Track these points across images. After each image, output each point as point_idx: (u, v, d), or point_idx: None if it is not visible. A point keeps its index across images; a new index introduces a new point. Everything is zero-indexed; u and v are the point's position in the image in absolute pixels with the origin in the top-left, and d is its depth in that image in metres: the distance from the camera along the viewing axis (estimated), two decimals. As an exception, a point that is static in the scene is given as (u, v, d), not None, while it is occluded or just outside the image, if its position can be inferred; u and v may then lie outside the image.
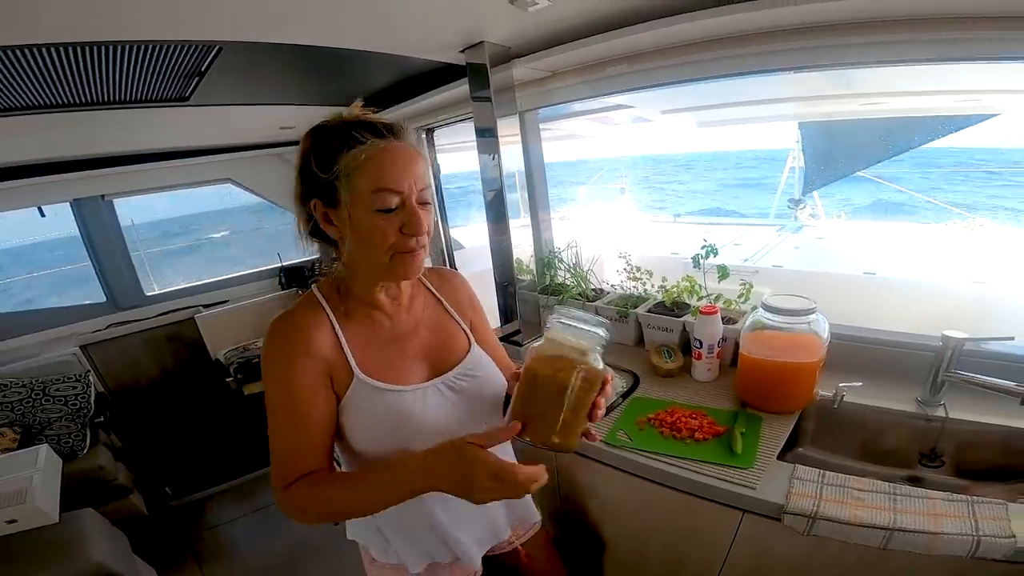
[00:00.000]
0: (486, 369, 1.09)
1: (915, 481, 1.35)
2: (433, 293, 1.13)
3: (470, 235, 4.27)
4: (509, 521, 1.23)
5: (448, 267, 3.00)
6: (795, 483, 1.15)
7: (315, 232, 0.97)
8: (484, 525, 1.16)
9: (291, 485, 0.90)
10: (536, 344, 0.90)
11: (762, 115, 3.04)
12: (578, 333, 0.87)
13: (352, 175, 0.86)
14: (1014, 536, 0.94)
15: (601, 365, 0.87)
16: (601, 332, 0.88)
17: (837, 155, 4.43)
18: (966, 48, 1.21)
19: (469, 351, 1.09)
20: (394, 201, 0.87)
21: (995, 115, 3.00)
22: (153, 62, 1.55)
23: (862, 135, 4.14)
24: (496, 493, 0.79)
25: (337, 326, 0.96)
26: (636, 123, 3.45)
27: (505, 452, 1.14)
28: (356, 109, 0.92)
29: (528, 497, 1.25)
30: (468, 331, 1.13)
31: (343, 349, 0.95)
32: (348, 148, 0.86)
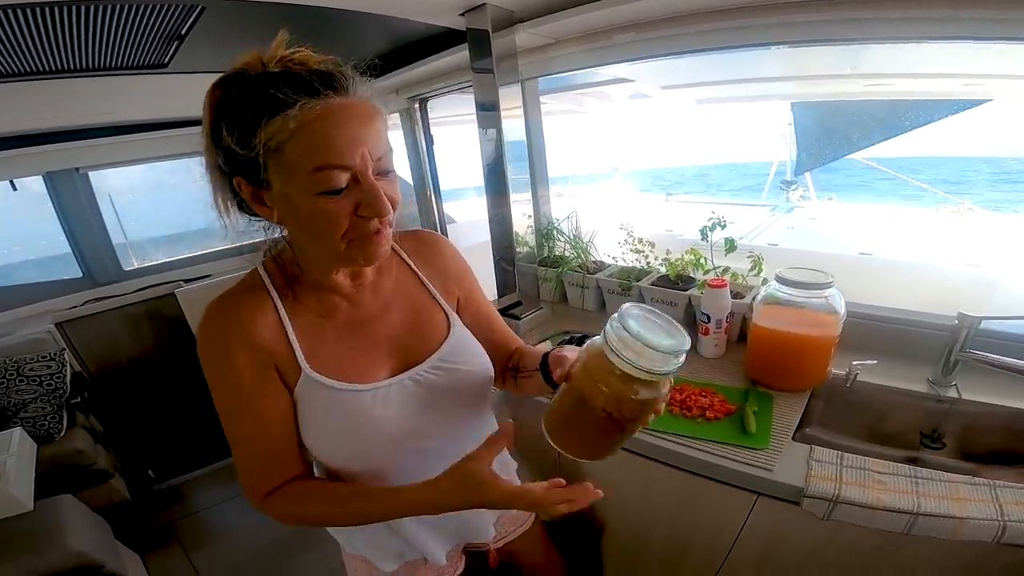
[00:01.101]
0: (467, 356, 0.93)
1: (925, 464, 1.33)
2: (408, 265, 0.95)
3: (460, 210, 4.20)
4: (495, 517, 1.14)
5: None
6: (814, 465, 1.11)
7: (244, 207, 0.77)
8: (456, 525, 1.05)
9: (270, 496, 0.82)
10: (597, 343, 0.70)
11: (761, 93, 3.01)
12: (654, 351, 0.66)
13: (282, 150, 0.66)
14: (1039, 522, 0.90)
15: (668, 387, 0.72)
16: (681, 359, 0.68)
17: (829, 137, 4.41)
18: (976, 27, 1.16)
19: (448, 337, 0.92)
20: (342, 179, 0.67)
21: (988, 100, 2.99)
22: (129, 24, 1.44)
23: (854, 117, 4.13)
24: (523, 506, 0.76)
25: (283, 311, 0.81)
26: (634, 99, 3.39)
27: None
28: (279, 49, 0.70)
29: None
30: (449, 311, 0.95)
31: (288, 339, 0.80)
32: (270, 115, 0.65)
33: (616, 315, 0.70)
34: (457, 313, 0.98)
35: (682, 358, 0.68)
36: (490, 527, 1.11)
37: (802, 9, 1.31)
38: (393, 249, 0.90)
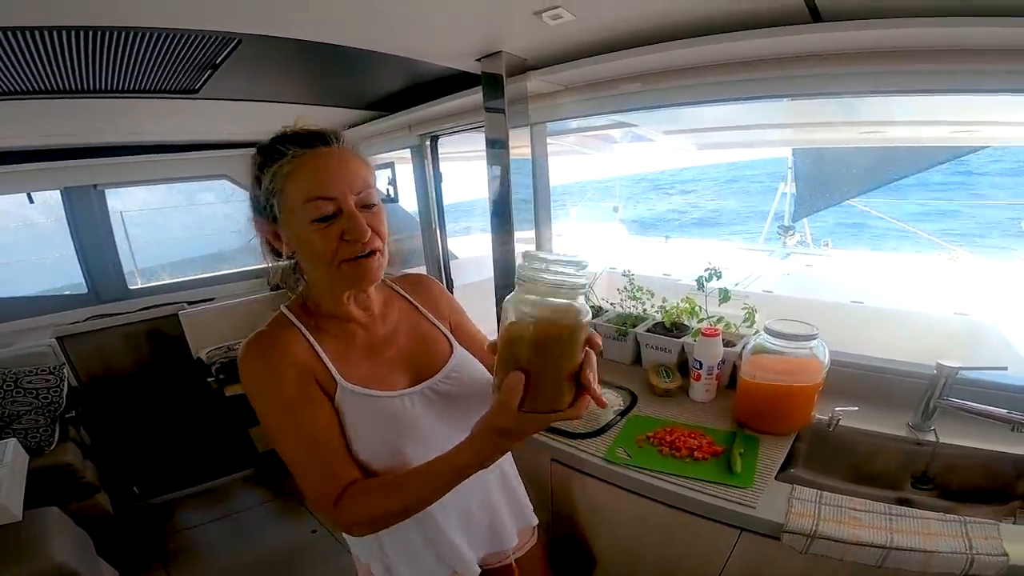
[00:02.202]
0: (471, 370, 1.06)
1: (903, 502, 1.37)
2: (408, 300, 1.11)
3: (463, 246, 4.28)
4: (516, 525, 1.19)
5: (444, 276, 2.99)
6: (794, 503, 1.17)
7: (273, 249, 0.95)
8: (485, 529, 1.12)
9: (339, 502, 0.86)
10: (513, 298, 0.74)
11: (761, 139, 3.10)
12: (561, 272, 0.70)
13: (283, 189, 0.85)
14: (1006, 555, 0.97)
15: (587, 316, 0.73)
16: (577, 271, 0.71)
17: (828, 182, 4.50)
18: (967, 80, 1.24)
19: (452, 354, 1.06)
20: (329, 208, 0.84)
21: (985, 147, 3.07)
22: (166, 52, 1.52)
23: (854, 163, 4.22)
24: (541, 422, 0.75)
25: (312, 340, 0.93)
26: (635, 142, 3.50)
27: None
28: (297, 124, 0.91)
29: (526, 499, 1.24)
30: (449, 334, 1.10)
31: (323, 360, 0.92)
32: (273, 161, 0.85)
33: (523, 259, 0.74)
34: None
35: (577, 271, 0.70)
36: (513, 533, 1.17)
37: (800, 64, 1.40)
38: (393, 289, 1.10)
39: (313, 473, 0.88)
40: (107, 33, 1.34)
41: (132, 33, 1.36)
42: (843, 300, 3.16)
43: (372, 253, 0.89)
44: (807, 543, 1.08)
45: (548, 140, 2.11)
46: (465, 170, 3.91)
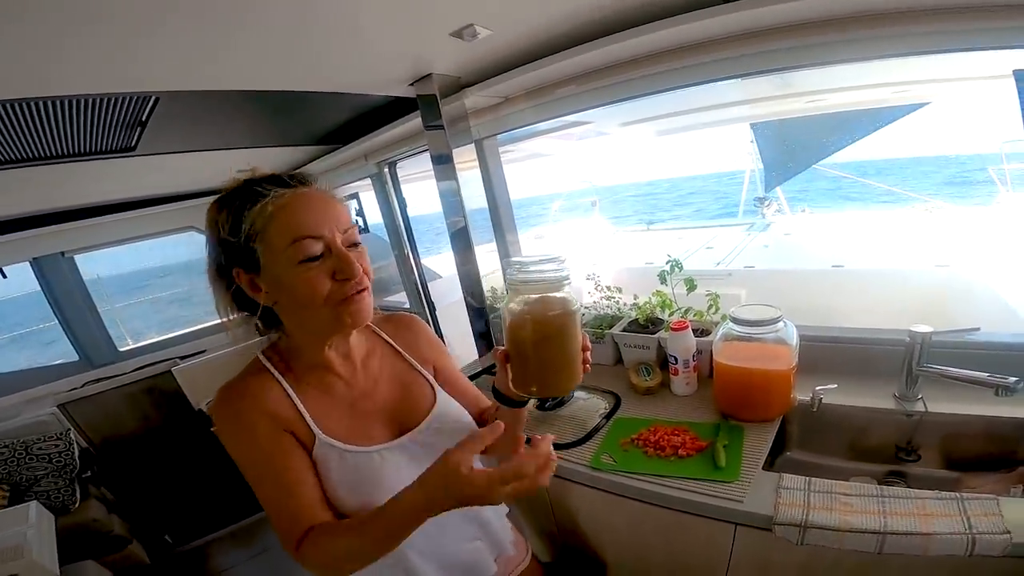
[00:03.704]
0: (454, 419, 1.04)
1: (904, 476, 1.35)
2: (390, 344, 1.07)
3: (446, 264, 4.25)
4: (493, 555, 1.14)
5: (423, 298, 2.96)
6: (782, 492, 1.13)
7: (242, 303, 0.89)
8: (461, 562, 1.07)
9: (301, 543, 0.84)
10: (508, 303, 0.84)
11: (716, 119, 3.10)
12: (544, 270, 0.81)
13: (265, 231, 0.80)
14: (1009, 532, 0.92)
15: (576, 303, 0.84)
16: (558, 265, 0.82)
17: (791, 152, 4.53)
18: (897, 44, 1.24)
19: (435, 403, 1.03)
20: (317, 248, 0.81)
21: (927, 103, 3.09)
22: (96, 115, 1.54)
23: (810, 130, 4.25)
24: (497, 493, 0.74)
25: (290, 390, 0.90)
26: (599, 136, 3.48)
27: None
28: (257, 172, 0.86)
29: (509, 532, 1.20)
30: (432, 380, 1.06)
31: (300, 412, 0.89)
32: (252, 203, 0.80)
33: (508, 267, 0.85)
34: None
35: (559, 266, 0.81)
36: (491, 564, 1.12)
37: (736, 44, 1.39)
38: (377, 334, 1.06)
39: (281, 517, 0.86)
40: (36, 104, 1.36)
41: (60, 101, 1.38)
42: (823, 266, 3.14)
43: (365, 290, 0.86)
44: (800, 534, 1.05)
45: (508, 147, 2.10)
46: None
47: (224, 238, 0.82)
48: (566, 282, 0.81)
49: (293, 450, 0.87)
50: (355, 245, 0.86)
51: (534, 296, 0.81)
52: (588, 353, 0.87)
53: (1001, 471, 1.24)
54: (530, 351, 0.83)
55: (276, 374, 0.91)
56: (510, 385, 0.88)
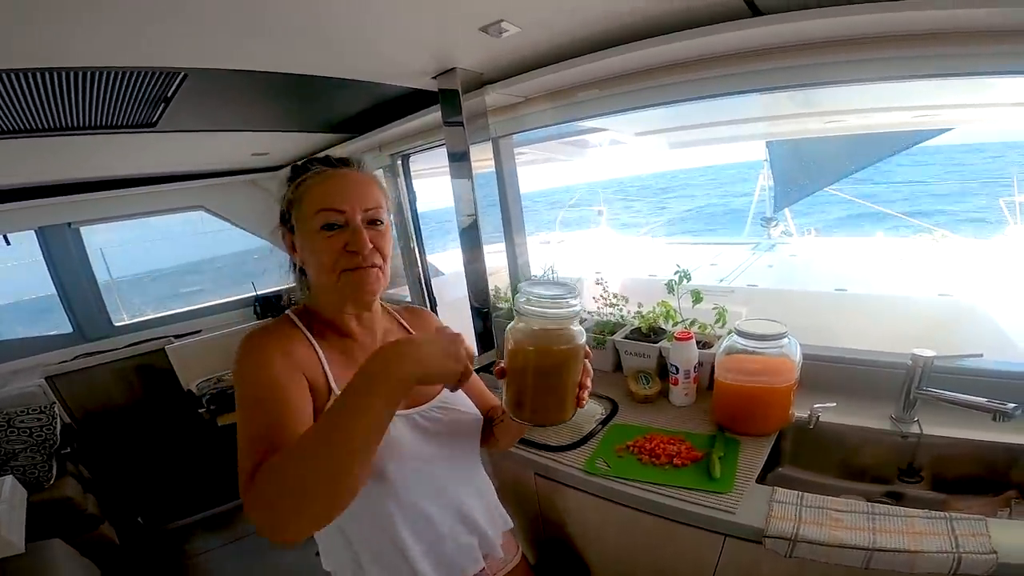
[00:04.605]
0: (462, 404, 1.09)
1: (895, 496, 1.36)
2: (408, 329, 1.15)
3: (449, 261, 4.26)
4: (483, 550, 1.14)
5: (426, 294, 2.98)
6: (774, 506, 1.14)
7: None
8: (455, 552, 1.07)
9: (254, 474, 0.74)
10: (514, 328, 0.84)
11: (731, 135, 3.11)
12: (555, 306, 0.80)
13: (301, 200, 0.92)
14: (994, 552, 0.93)
15: (582, 337, 0.83)
16: (570, 302, 0.80)
17: (805, 172, 4.54)
18: (924, 66, 1.24)
19: (443, 388, 1.06)
20: (337, 219, 0.90)
21: (950, 129, 3.10)
22: (118, 88, 1.54)
23: (827, 152, 4.25)
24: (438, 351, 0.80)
25: (315, 342, 0.95)
26: (612, 145, 3.50)
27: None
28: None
29: (500, 534, 1.19)
30: None
31: (322, 364, 0.94)
32: (299, 176, 0.94)
33: (518, 290, 0.84)
34: None
35: (571, 302, 0.80)
36: (478, 555, 1.11)
37: (759, 59, 1.40)
38: (396, 319, 1.15)
39: (255, 443, 0.78)
40: (62, 74, 1.36)
41: (84, 73, 1.38)
42: (827, 289, 3.15)
43: (371, 267, 0.93)
44: (789, 547, 1.06)
45: (522, 149, 2.11)
46: (445, 183, 3.91)
47: (279, 201, 0.98)
48: (575, 319, 0.81)
49: (301, 389, 0.87)
50: (376, 223, 0.94)
51: (540, 326, 0.81)
52: (587, 390, 0.90)
53: (990, 495, 1.25)
54: (529, 381, 0.84)
55: (303, 328, 0.97)
56: (503, 404, 0.90)
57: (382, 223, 0.95)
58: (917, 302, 2.80)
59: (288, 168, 1.01)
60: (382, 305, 1.11)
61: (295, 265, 1.03)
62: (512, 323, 0.85)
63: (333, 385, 0.93)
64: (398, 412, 0.97)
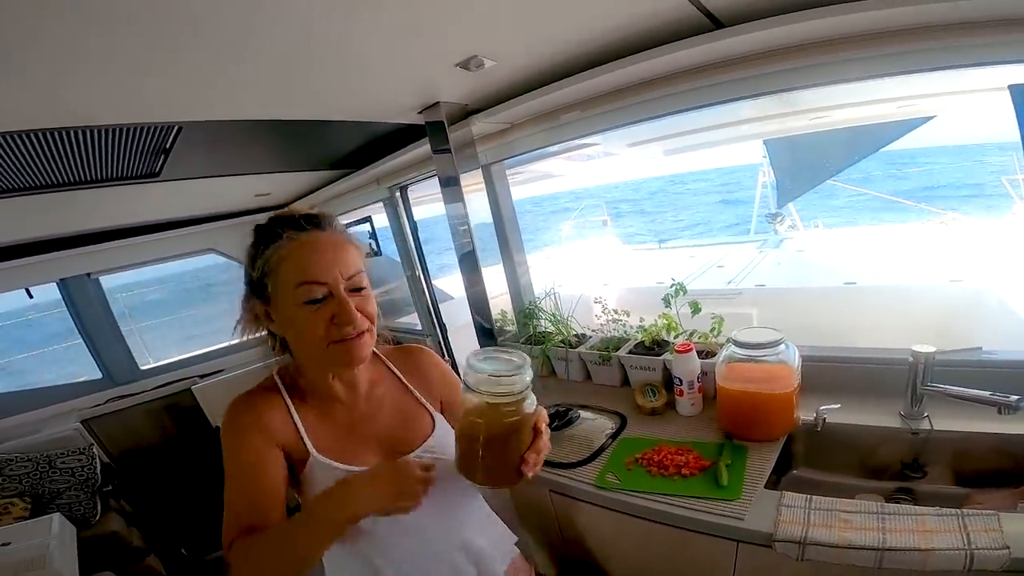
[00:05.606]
0: (450, 450, 0.99)
1: (912, 493, 1.35)
2: (398, 377, 1.12)
3: (458, 284, 4.27)
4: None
5: (435, 320, 2.99)
6: (783, 510, 1.15)
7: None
8: None
9: (235, 541, 0.87)
10: (464, 398, 0.88)
11: (723, 138, 3.12)
12: (499, 384, 0.83)
13: (277, 271, 0.88)
14: (1008, 547, 0.93)
15: (532, 407, 0.87)
16: (517, 377, 0.83)
17: (804, 166, 4.52)
18: (890, 64, 1.26)
19: (433, 432, 1.05)
20: (320, 292, 0.87)
21: (933, 117, 3.10)
22: (120, 143, 1.61)
23: (824, 145, 4.24)
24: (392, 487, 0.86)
25: (292, 409, 0.96)
26: (607, 156, 3.52)
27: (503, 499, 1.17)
28: (292, 210, 0.95)
29: (494, 551, 1.13)
30: (434, 412, 1.09)
31: (298, 430, 0.95)
32: (269, 245, 0.89)
33: (465, 361, 0.87)
34: (441, 412, 1.11)
35: (518, 376, 0.83)
36: None
37: (730, 69, 1.43)
38: (385, 364, 1.12)
39: (231, 513, 0.90)
40: (66, 133, 1.43)
41: (88, 131, 1.45)
42: (836, 283, 3.12)
43: (360, 335, 0.91)
44: (800, 550, 1.06)
45: (517, 169, 2.13)
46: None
47: (247, 270, 0.93)
48: (523, 393, 0.84)
49: (275, 466, 0.92)
50: (359, 290, 0.92)
51: (487, 400, 0.83)
52: (541, 455, 0.89)
53: (1011, 487, 1.23)
54: (478, 448, 0.86)
55: (284, 393, 0.98)
56: (456, 464, 0.91)
57: (364, 288, 0.93)
58: (929, 291, 2.76)
59: (252, 230, 0.95)
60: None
61: (273, 336, 0.99)
62: (464, 393, 0.86)
63: (310, 448, 0.94)
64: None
